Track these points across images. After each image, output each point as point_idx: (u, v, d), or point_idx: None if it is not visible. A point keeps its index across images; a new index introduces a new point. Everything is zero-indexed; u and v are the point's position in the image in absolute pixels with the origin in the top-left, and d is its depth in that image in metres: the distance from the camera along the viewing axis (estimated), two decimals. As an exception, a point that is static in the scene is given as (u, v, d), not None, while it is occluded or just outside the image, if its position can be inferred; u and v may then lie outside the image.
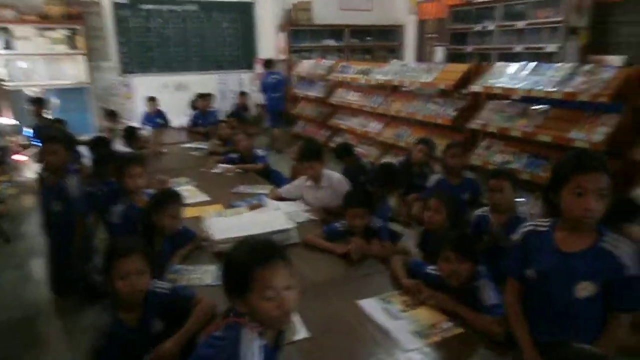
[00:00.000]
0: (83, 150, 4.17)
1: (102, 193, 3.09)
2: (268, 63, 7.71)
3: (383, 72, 5.86)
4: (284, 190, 3.37)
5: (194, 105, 6.91)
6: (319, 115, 7.35)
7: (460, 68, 4.79)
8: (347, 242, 2.47)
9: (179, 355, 1.72)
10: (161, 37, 8.29)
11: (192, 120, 6.55)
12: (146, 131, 5.92)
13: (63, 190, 2.88)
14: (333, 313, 1.95)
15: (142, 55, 8.20)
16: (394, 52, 9.42)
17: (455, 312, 1.87)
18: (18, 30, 6.92)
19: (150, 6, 8.04)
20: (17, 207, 4.81)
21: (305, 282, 2.17)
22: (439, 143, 4.35)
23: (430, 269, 2.10)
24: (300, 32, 8.83)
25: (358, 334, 1.81)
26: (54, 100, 6.90)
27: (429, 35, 8.76)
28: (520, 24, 6.44)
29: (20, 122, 6.07)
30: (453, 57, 7.55)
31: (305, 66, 7.99)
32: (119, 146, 4.68)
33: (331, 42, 9.13)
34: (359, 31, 9.26)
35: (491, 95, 4.41)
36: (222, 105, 8.43)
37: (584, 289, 1.54)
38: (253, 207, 3.11)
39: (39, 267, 3.50)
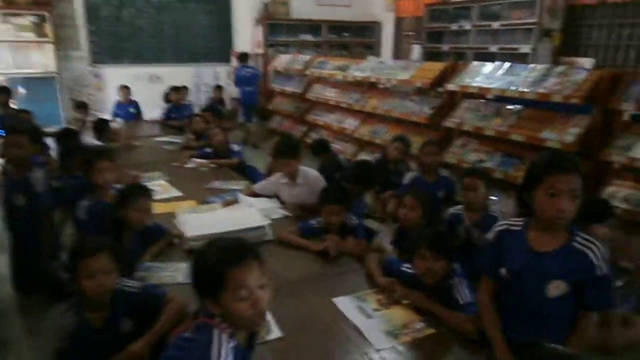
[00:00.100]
0: (50, 142, 4.02)
1: (69, 187, 2.98)
2: (243, 57, 7.61)
3: (360, 69, 5.86)
4: (259, 186, 3.32)
5: (167, 98, 6.77)
6: (296, 111, 7.30)
7: (437, 66, 4.82)
8: (323, 240, 2.45)
9: (149, 356, 1.68)
10: (134, 27, 8.08)
11: (165, 113, 6.42)
12: (117, 123, 5.77)
13: (28, 184, 2.76)
14: (307, 311, 1.93)
15: (113, 45, 7.98)
16: (371, 48, 9.43)
17: (430, 310, 1.87)
18: (-19, 15, 6.64)
19: (122, -6, 7.83)
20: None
21: (279, 279, 2.14)
22: (415, 141, 4.37)
23: (405, 266, 2.10)
24: (278, 26, 8.74)
25: (332, 332, 1.79)
26: (20, 90, 6.66)
27: (406, 33, 8.80)
28: (496, 25, 6.53)
29: (-17, 112, 5.81)
30: (429, 56, 7.61)
31: (282, 61, 7.91)
32: (89, 139, 4.54)
33: (308, 37, 9.07)
34: (337, 27, 9.23)
35: (467, 94, 4.46)
36: (197, 99, 8.30)
37: (556, 288, 1.56)
38: (227, 204, 3.05)
39: (1, 264, 3.36)
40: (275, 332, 1.74)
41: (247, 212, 2.76)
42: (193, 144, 4.78)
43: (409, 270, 2.06)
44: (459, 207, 2.91)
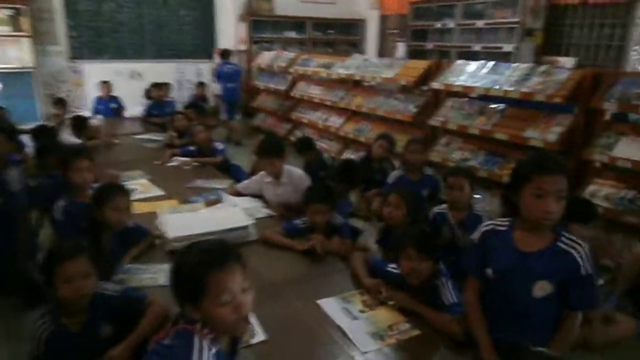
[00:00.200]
0: (27, 140, 3.90)
1: (46, 187, 2.89)
2: (224, 53, 7.52)
3: (345, 67, 5.83)
4: (243, 186, 3.27)
5: (148, 94, 6.65)
6: (280, 108, 7.25)
7: (421, 65, 4.82)
8: (308, 240, 2.42)
9: (130, 361, 1.63)
10: (114, 22, 7.92)
11: (146, 110, 6.30)
12: (97, 120, 5.64)
13: (3, 183, 2.67)
14: (292, 313, 1.90)
15: (93, 40, 7.81)
16: (356, 46, 9.41)
17: (415, 311, 1.85)
18: (-46, 8, 6.43)
19: (102, -12, 7.67)
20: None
21: (263, 281, 2.10)
22: (399, 139, 4.37)
23: (391, 267, 2.09)
24: (261, 22, 8.66)
25: (318, 335, 1.76)
26: (-5, 85, 6.47)
27: (391, 31, 8.80)
28: (480, 23, 6.57)
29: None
30: (414, 54, 7.63)
31: (266, 58, 7.85)
32: (67, 136, 4.43)
33: (293, 34, 9.01)
34: (321, 24, 9.19)
35: (451, 93, 4.47)
36: (179, 96, 8.17)
37: (541, 289, 1.56)
38: (210, 203, 3.00)
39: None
40: (259, 335, 1.71)
41: (231, 212, 2.72)
42: (175, 142, 4.70)
43: (395, 271, 2.04)
44: (444, 206, 2.91)
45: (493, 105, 4.06)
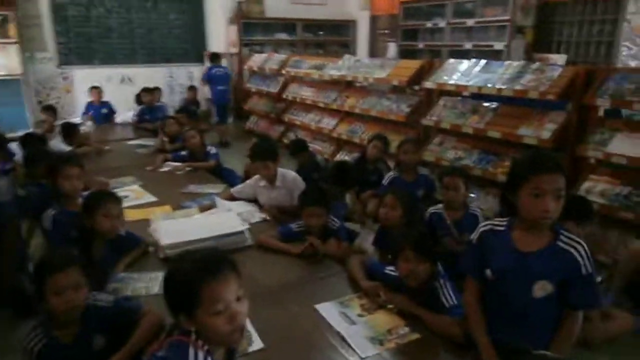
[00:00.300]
0: (16, 148, 3.85)
1: (35, 195, 2.84)
2: (214, 57, 7.49)
3: (337, 68, 5.81)
4: (237, 190, 3.24)
5: (139, 99, 6.60)
6: (272, 111, 7.22)
7: (413, 64, 4.80)
8: (303, 244, 2.39)
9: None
10: (104, 27, 7.86)
11: (137, 115, 6.24)
12: (87, 127, 5.58)
13: (-9, 192, 2.61)
14: (289, 320, 1.87)
15: (82, 46, 7.74)
16: (347, 47, 9.40)
17: (414, 314, 1.83)
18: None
19: (90, -7, 7.60)
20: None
21: (259, 287, 2.08)
22: (393, 139, 4.35)
23: (389, 269, 2.06)
24: (252, 25, 8.63)
25: (316, 341, 1.73)
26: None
27: (381, 31, 8.80)
28: (470, 22, 6.58)
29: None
30: (405, 53, 7.63)
31: (257, 60, 7.81)
32: (58, 143, 4.38)
33: (283, 36, 8.99)
34: (312, 25, 9.17)
35: (444, 92, 4.46)
36: (171, 100, 8.13)
37: (541, 289, 1.54)
38: (204, 208, 2.96)
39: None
40: (256, 343, 1.68)
41: (225, 217, 2.68)
42: (167, 147, 4.65)
43: (392, 273, 2.02)
44: (439, 206, 2.89)
45: (486, 104, 4.05)
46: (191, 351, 1.17)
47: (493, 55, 6.01)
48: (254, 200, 3.16)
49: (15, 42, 6.74)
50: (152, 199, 3.24)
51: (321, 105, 6.03)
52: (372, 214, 3.75)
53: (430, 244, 1.93)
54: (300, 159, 4.33)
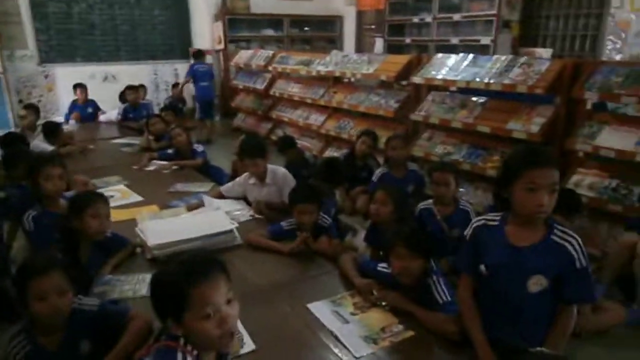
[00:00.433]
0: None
1: (15, 197, 2.75)
2: (197, 54, 7.42)
3: (324, 63, 5.76)
4: (226, 188, 3.18)
5: (123, 97, 6.48)
6: (259, 108, 7.15)
7: (401, 59, 4.78)
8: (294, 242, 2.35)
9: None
10: (86, 24, 7.72)
11: (121, 114, 6.13)
12: (70, 126, 5.47)
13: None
14: (281, 320, 1.83)
15: (64, 44, 7.59)
16: (334, 42, 9.37)
17: (408, 311, 1.81)
18: None
19: (71, -10, 7.45)
20: None
21: (249, 286, 2.04)
22: (382, 135, 4.33)
23: (381, 266, 2.04)
24: (238, 21, 8.53)
25: (309, 341, 1.70)
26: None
27: (368, 27, 8.77)
28: (457, 17, 6.57)
29: None
30: (392, 49, 7.60)
31: (244, 57, 7.73)
32: (40, 143, 4.28)
33: (270, 32, 8.91)
34: (299, 21, 9.11)
35: (432, 87, 4.45)
36: (156, 98, 8.03)
37: (536, 284, 1.53)
38: (191, 207, 2.91)
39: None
40: (248, 345, 1.64)
41: (214, 216, 2.63)
42: (153, 146, 4.57)
43: (385, 270, 1.99)
44: (429, 201, 2.88)
45: (474, 98, 4.05)
46: (179, 356, 1.13)
47: (480, 50, 6.01)
48: (243, 199, 3.11)
49: (-6, 40, 6.59)
50: (139, 198, 3.18)
51: (309, 101, 5.98)
52: (362, 211, 3.73)
53: (422, 240, 1.91)
54: (289, 156, 4.30)
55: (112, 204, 2.76)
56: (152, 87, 8.19)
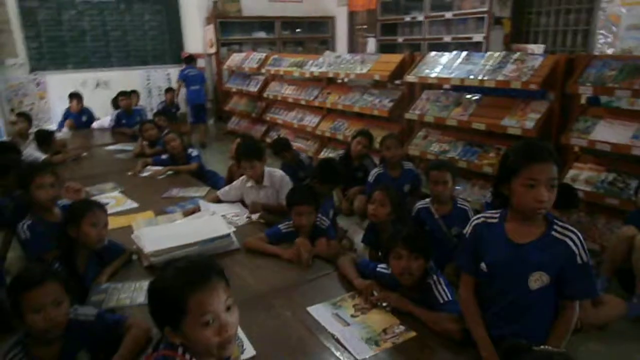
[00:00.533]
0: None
1: (8, 207, 2.72)
2: (188, 59, 7.41)
3: (317, 64, 5.75)
4: (223, 192, 3.16)
5: (116, 103, 6.45)
6: (253, 110, 7.13)
7: (394, 59, 4.78)
8: (293, 245, 2.33)
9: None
10: (76, 31, 7.67)
11: (114, 120, 6.10)
12: (63, 133, 5.43)
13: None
14: (281, 324, 1.81)
15: (55, 51, 7.54)
16: (326, 43, 9.36)
17: (410, 312, 1.79)
18: None
19: (60, -4, 7.39)
20: None
21: (249, 291, 2.02)
22: (377, 134, 4.31)
23: (381, 267, 2.02)
24: (229, 24, 8.50)
25: (310, 345, 1.68)
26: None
27: (360, 27, 8.77)
28: (448, 15, 6.58)
29: None
30: (384, 48, 7.60)
31: (236, 60, 7.71)
32: (33, 151, 4.24)
33: (262, 35, 8.88)
34: (290, 23, 9.09)
35: (425, 85, 4.44)
36: (149, 103, 7.99)
37: (537, 280, 1.52)
38: (188, 213, 2.88)
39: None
40: (248, 351, 1.62)
41: (210, 221, 2.61)
42: (147, 151, 4.54)
43: (385, 271, 1.98)
44: (427, 200, 2.87)
45: (469, 96, 4.05)
46: (178, 366, 1.11)
47: (472, 47, 6.02)
48: (240, 202, 3.09)
49: (-17, 49, 6.54)
50: (134, 205, 3.15)
51: (303, 103, 5.96)
52: (360, 211, 3.72)
53: (422, 240, 1.89)
54: (284, 158, 4.28)
55: (107, 211, 2.73)
56: (145, 93, 8.15)
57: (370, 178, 3.61)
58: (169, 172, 3.89)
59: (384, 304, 1.85)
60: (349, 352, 1.62)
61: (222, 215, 2.72)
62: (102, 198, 3.15)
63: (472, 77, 3.81)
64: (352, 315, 1.83)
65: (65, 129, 6.04)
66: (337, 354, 1.62)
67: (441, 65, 4.19)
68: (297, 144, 5.84)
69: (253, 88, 7.17)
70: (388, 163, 3.61)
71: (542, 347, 1.21)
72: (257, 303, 1.92)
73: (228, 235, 2.40)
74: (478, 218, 1.67)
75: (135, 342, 1.60)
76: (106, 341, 1.62)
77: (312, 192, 2.53)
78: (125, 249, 2.32)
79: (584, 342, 2.27)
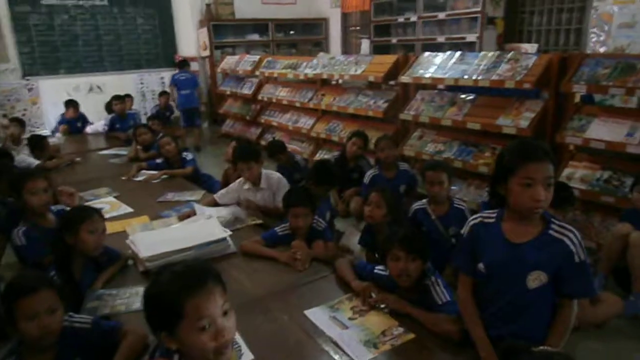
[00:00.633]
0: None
1: (1, 214, 2.69)
2: (181, 63, 7.38)
3: (311, 66, 5.75)
4: (219, 195, 3.14)
5: (109, 108, 6.41)
6: (248, 113, 7.11)
7: (388, 59, 4.78)
8: (289, 248, 2.32)
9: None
10: (69, 35, 7.62)
11: (108, 124, 6.06)
12: (57, 139, 5.39)
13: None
14: (278, 328, 1.79)
15: (47, 56, 7.49)
16: (320, 45, 9.36)
17: (409, 314, 1.78)
18: None
19: (52, 1, 7.33)
20: None
21: (246, 295, 2.00)
22: (372, 135, 4.31)
23: (378, 269, 2.01)
24: (223, 27, 8.49)
25: (308, 349, 1.67)
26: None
27: (353, 28, 8.78)
28: (441, 15, 6.59)
29: None
30: (378, 49, 7.61)
31: (230, 62, 7.69)
32: (26, 157, 4.20)
33: (255, 37, 8.88)
34: (284, 25, 9.08)
35: (420, 86, 4.44)
36: (143, 107, 7.96)
37: (536, 279, 1.51)
38: (183, 217, 2.86)
39: None
40: (246, 355, 1.60)
41: (206, 224, 2.59)
42: (141, 155, 4.51)
43: (383, 273, 1.97)
44: (424, 201, 2.87)
45: (463, 95, 4.05)
46: (173, 373, 1.09)
47: (466, 47, 6.03)
48: (237, 204, 3.07)
49: (-25, 55, 6.49)
50: (129, 210, 3.12)
51: (297, 105, 5.96)
52: (356, 213, 3.71)
53: (419, 241, 1.89)
54: (280, 160, 4.27)
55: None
56: (139, 97, 8.11)
57: (366, 179, 3.60)
58: (164, 176, 3.87)
59: (382, 306, 1.84)
60: (348, 355, 1.61)
61: (218, 217, 2.70)
62: (96, 203, 3.12)
63: (466, 77, 3.81)
64: (350, 318, 1.82)
65: (58, 134, 6.00)
66: (336, 357, 1.60)
67: (435, 65, 4.20)
68: (292, 146, 5.83)
69: (247, 90, 7.15)
70: (383, 164, 3.61)
71: (541, 347, 1.20)
72: (255, 307, 1.91)
73: (224, 239, 2.39)
74: (475, 218, 1.66)
75: (131, 349, 1.58)
76: (101, 348, 1.60)
77: (308, 194, 2.52)
78: (121, 254, 2.30)
79: (581, 340, 2.27)
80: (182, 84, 7.07)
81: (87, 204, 3.10)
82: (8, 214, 2.62)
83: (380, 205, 2.64)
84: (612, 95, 3.58)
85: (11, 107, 7.11)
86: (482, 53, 3.98)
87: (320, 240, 2.42)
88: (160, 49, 8.47)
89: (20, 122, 5.34)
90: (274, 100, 6.46)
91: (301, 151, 5.74)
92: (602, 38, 5.14)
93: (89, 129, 6.24)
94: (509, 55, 3.69)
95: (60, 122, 6.25)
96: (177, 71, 7.37)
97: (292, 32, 9.24)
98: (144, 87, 8.31)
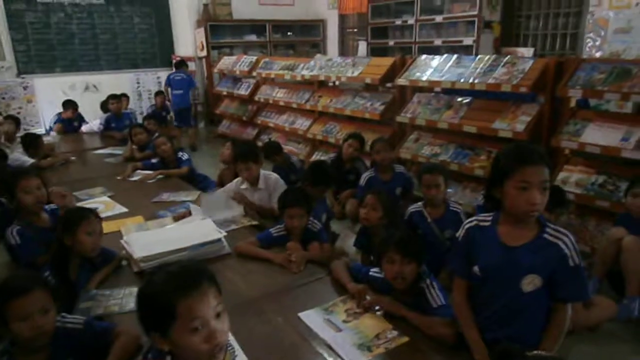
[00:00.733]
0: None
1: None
2: (179, 64, 7.37)
3: (309, 68, 5.75)
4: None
5: (105, 107, 6.39)
6: (244, 114, 7.10)
7: (385, 62, 4.78)
8: (284, 249, 2.31)
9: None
10: (65, 34, 7.59)
11: (103, 123, 6.03)
12: (51, 137, 5.36)
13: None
14: (272, 331, 1.78)
15: (43, 54, 7.46)
16: (317, 46, 9.36)
17: (403, 316, 1.78)
18: None
19: (48, -1, 7.32)
20: None
21: (240, 297, 2.00)
22: (368, 137, 4.31)
23: (374, 271, 2.01)
24: (220, 27, 8.47)
25: (302, 351, 1.66)
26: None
27: (351, 30, 8.79)
28: (439, 18, 6.61)
29: None
30: (375, 51, 7.62)
31: (227, 63, 7.68)
32: (19, 156, 4.17)
33: (253, 38, 8.87)
34: (281, 26, 9.08)
35: (417, 88, 4.45)
36: (139, 107, 7.93)
37: (530, 283, 1.52)
38: (178, 217, 2.85)
39: None
40: (240, 358, 1.59)
41: (201, 225, 2.58)
42: (136, 155, 4.50)
43: (378, 275, 1.97)
44: (420, 203, 2.87)
45: (460, 99, 4.06)
46: (166, 375, 1.09)
47: (462, 51, 6.05)
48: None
49: (-30, 52, 6.45)
50: (123, 210, 3.10)
51: (294, 106, 5.95)
52: (351, 215, 3.71)
53: (414, 244, 1.89)
54: (276, 161, 4.26)
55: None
56: (135, 96, 8.09)
57: (362, 182, 3.60)
58: (159, 176, 3.86)
59: (377, 308, 1.84)
60: (342, 358, 1.60)
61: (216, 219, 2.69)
62: (90, 203, 3.11)
63: (462, 80, 3.82)
64: (344, 321, 1.81)
65: (53, 133, 5.98)
66: (330, 359, 1.60)
67: (432, 68, 4.21)
68: (289, 147, 5.83)
69: (244, 91, 7.14)
70: (379, 166, 3.61)
71: (535, 352, 1.20)
72: (249, 308, 1.90)
73: (219, 239, 2.38)
74: (470, 221, 1.66)
75: (124, 350, 1.57)
76: (94, 349, 1.59)
77: (304, 195, 2.52)
78: (116, 255, 2.29)
79: (575, 344, 2.27)
80: (175, 84, 7.06)
81: (81, 203, 3.09)
82: (1, 213, 2.60)
83: (376, 207, 2.64)
84: (607, 100, 3.60)
85: (6, 105, 7.07)
86: (479, 57, 3.99)
87: (316, 242, 2.42)
88: (157, 49, 8.45)
89: (15, 120, 5.31)
90: (270, 101, 6.45)
91: (297, 152, 5.74)
92: (597, 43, 5.18)
93: (84, 128, 6.21)
94: (506, 59, 3.71)
95: (56, 121, 6.22)
96: (173, 71, 7.35)
97: (289, 33, 9.25)
98: (140, 86, 8.29)
